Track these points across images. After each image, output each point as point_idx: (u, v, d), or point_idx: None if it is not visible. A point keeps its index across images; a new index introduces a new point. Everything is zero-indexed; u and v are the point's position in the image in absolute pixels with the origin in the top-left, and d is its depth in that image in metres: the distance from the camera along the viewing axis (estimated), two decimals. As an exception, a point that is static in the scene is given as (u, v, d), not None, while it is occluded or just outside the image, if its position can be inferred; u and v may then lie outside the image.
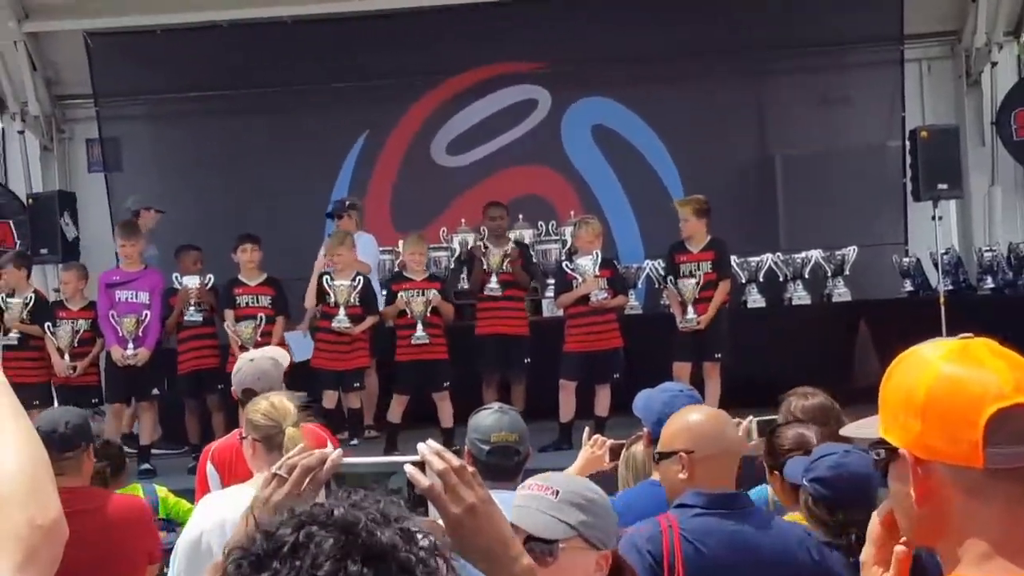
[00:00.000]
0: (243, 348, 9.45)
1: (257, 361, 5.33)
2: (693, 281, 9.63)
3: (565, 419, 9.62)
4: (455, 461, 1.87)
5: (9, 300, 10.15)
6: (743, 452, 3.77)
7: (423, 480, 1.84)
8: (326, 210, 11.24)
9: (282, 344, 9.13)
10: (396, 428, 9.70)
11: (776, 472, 4.11)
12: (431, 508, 1.84)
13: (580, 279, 9.66)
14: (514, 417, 4.20)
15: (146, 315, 9.89)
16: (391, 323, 10.00)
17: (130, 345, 9.83)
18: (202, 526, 3.88)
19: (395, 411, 9.75)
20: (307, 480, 1.91)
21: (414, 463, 1.85)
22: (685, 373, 9.45)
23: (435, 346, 9.69)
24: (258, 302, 9.97)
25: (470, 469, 1.89)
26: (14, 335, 10.08)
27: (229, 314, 9.94)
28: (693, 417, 3.68)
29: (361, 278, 9.85)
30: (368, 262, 10.40)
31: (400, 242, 10.87)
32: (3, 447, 1.83)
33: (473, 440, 4.16)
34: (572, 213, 11.58)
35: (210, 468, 5.08)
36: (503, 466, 4.09)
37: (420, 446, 1.88)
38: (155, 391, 10.07)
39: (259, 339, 9.58)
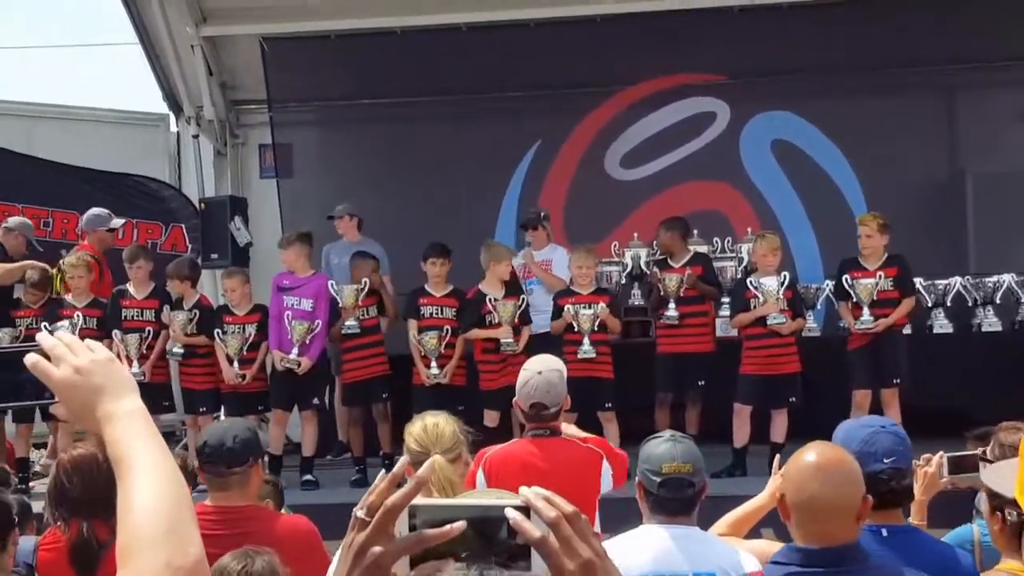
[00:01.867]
0: (424, 359, 9.50)
1: (546, 374, 5.21)
2: (872, 281, 9.23)
3: (739, 444, 9.31)
4: (567, 508, 1.57)
5: (174, 313, 10.12)
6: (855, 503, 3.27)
7: (533, 531, 1.54)
8: (519, 221, 11.18)
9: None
10: None
11: (999, 513, 3.64)
12: (535, 560, 1.54)
13: (761, 299, 9.25)
14: (688, 446, 3.99)
15: (318, 324, 9.79)
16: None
17: (295, 351, 9.69)
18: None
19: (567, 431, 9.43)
20: (393, 524, 1.57)
21: (515, 507, 1.55)
22: (866, 401, 9.09)
23: (601, 364, 9.38)
24: (443, 313, 9.76)
25: (583, 517, 1.58)
26: (178, 349, 10.07)
27: (413, 324, 9.74)
28: (805, 458, 3.29)
29: (524, 297, 9.68)
30: (563, 277, 10.17)
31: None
32: (141, 483, 1.73)
33: (644, 471, 3.96)
34: (749, 230, 11.20)
35: (480, 476, 4.98)
36: (676, 499, 3.89)
37: (524, 490, 1.57)
38: (315, 400, 9.96)
39: (443, 351, 9.50)
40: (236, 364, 9.87)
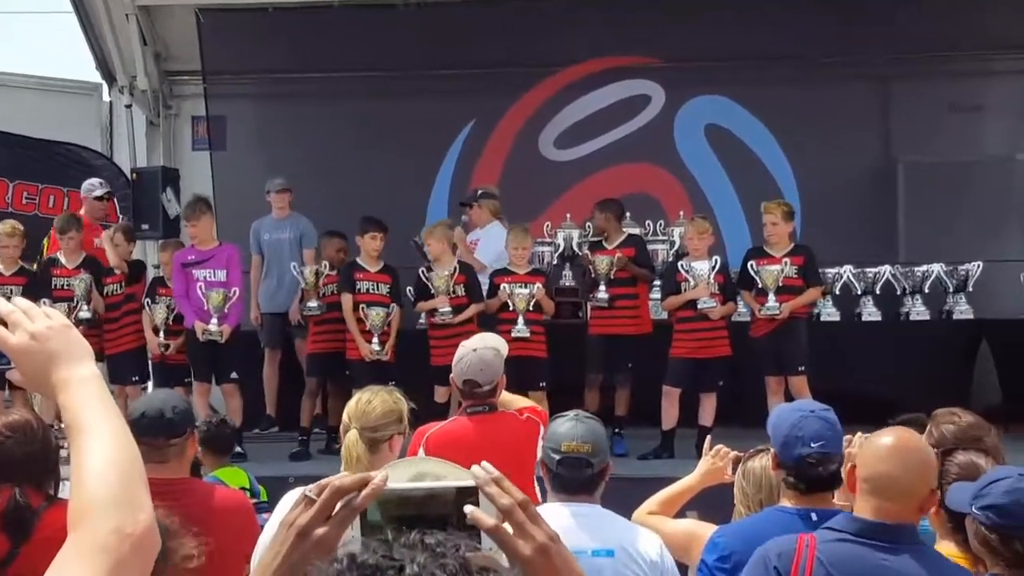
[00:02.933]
0: (367, 334, 9.43)
1: (480, 351, 5.24)
2: (777, 267, 9.21)
3: (667, 426, 9.33)
4: (518, 494, 1.62)
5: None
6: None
7: (487, 520, 1.58)
8: (451, 199, 11.29)
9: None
10: None
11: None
12: (484, 537, 1.58)
13: (692, 283, 9.32)
14: (590, 426, 3.98)
15: (234, 292, 9.71)
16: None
17: (213, 320, 9.60)
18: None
19: None
20: (339, 505, 1.59)
21: (467, 489, 1.59)
22: (780, 387, 9.16)
23: (535, 343, 9.38)
24: (378, 289, 9.68)
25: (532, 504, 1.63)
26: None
27: (348, 298, 9.63)
28: (887, 439, 3.33)
29: (457, 266, 9.60)
30: (493, 255, 10.17)
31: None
32: (94, 448, 1.73)
33: (546, 448, 3.99)
34: (682, 213, 11.26)
35: (421, 454, 4.94)
36: (573, 478, 3.90)
37: (476, 470, 1.61)
38: (233, 374, 9.81)
39: (386, 328, 9.49)
40: (162, 335, 9.90)
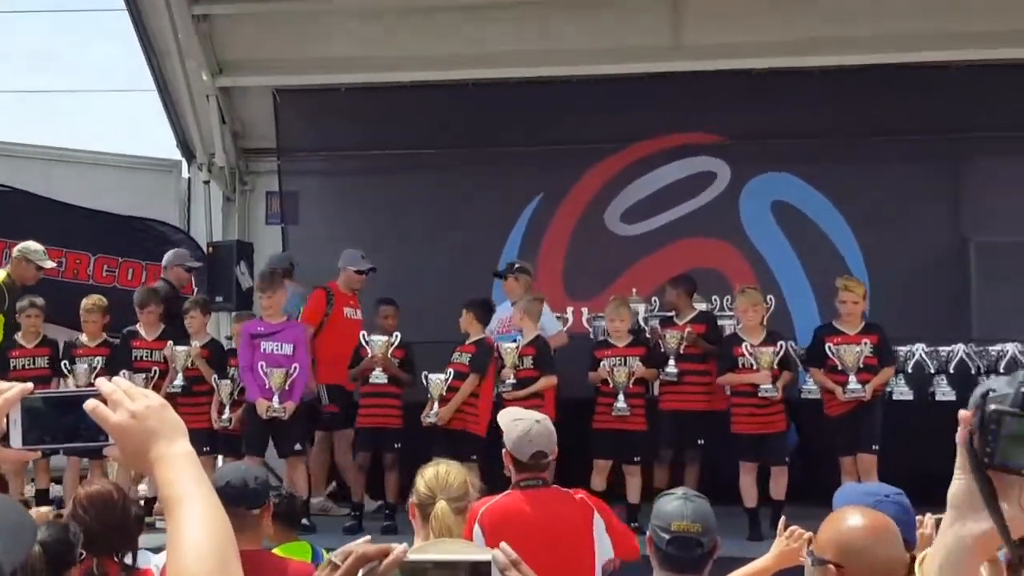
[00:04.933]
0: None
1: (543, 422, 5.21)
2: (858, 348, 9.08)
3: (750, 504, 9.17)
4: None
5: (178, 349, 10.15)
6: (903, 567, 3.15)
7: None
8: (496, 270, 11.10)
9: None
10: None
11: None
12: None
13: (753, 364, 9.28)
14: (699, 505, 4.01)
15: (295, 368, 9.73)
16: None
17: (275, 398, 9.62)
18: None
19: (596, 481, 9.37)
20: (361, 572, 1.70)
21: (482, 564, 1.68)
22: (854, 467, 9.01)
23: (635, 416, 9.41)
24: (461, 358, 9.70)
25: None
26: (179, 381, 10.09)
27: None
28: (850, 523, 3.12)
29: (521, 339, 9.61)
30: (548, 329, 10.18)
31: (569, 309, 10.81)
32: (191, 523, 1.82)
33: (654, 527, 3.98)
34: (736, 287, 11.21)
35: (477, 531, 4.85)
36: (683, 558, 3.91)
37: (496, 554, 1.69)
38: (298, 446, 9.80)
39: (444, 394, 9.47)
40: (227, 409, 9.91)
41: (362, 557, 1.70)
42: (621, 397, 9.33)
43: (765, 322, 9.55)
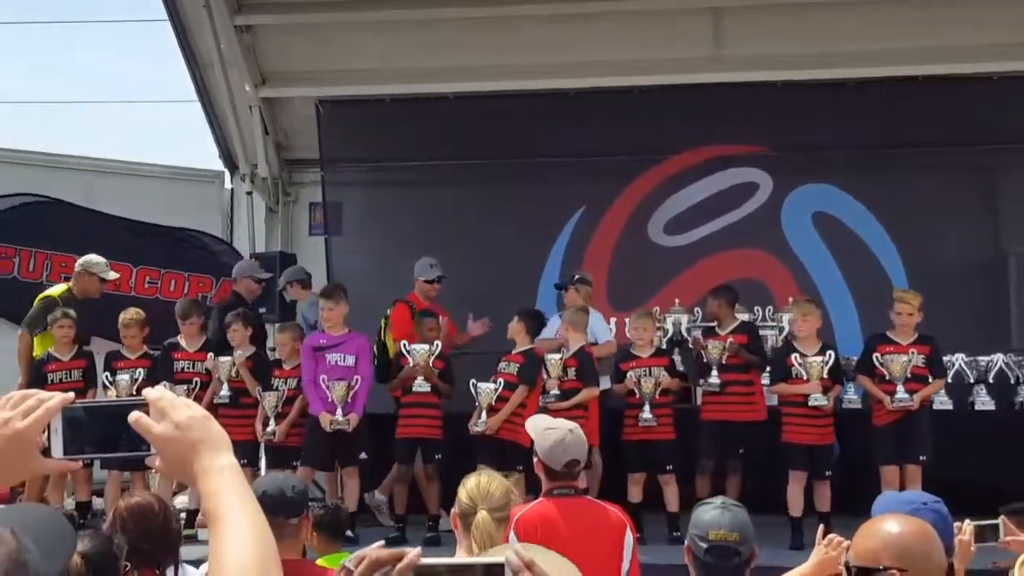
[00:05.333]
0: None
1: (576, 431, 5.22)
2: (905, 357, 9.11)
3: (796, 513, 9.21)
4: None
5: (221, 360, 10.16)
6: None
7: None
8: (555, 281, 11.14)
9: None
10: (637, 508, 9.35)
11: None
12: None
13: (804, 375, 9.32)
14: (737, 514, 4.02)
15: (357, 380, 9.77)
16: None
17: (339, 411, 9.68)
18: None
19: (633, 492, 9.50)
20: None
21: (495, 566, 1.69)
22: (895, 478, 9.00)
23: (662, 426, 9.50)
24: (509, 368, 9.71)
25: None
26: (225, 392, 10.10)
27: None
28: (899, 528, 3.03)
29: (567, 350, 9.65)
30: (600, 335, 10.28)
31: (613, 320, 10.85)
32: (234, 536, 1.82)
33: (692, 536, 4.00)
34: (790, 299, 11.21)
35: (512, 538, 4.78)
36: (721, 566, 3.92)
37: (509, 556, 1.70)
38: (363, 455, 9.84)
39: (494, 404, 9.48)
40: (272, 421, 9.90)
41: (376, 562, 1.72)
42: (647, 407, 9.45)
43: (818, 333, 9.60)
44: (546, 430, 5.27)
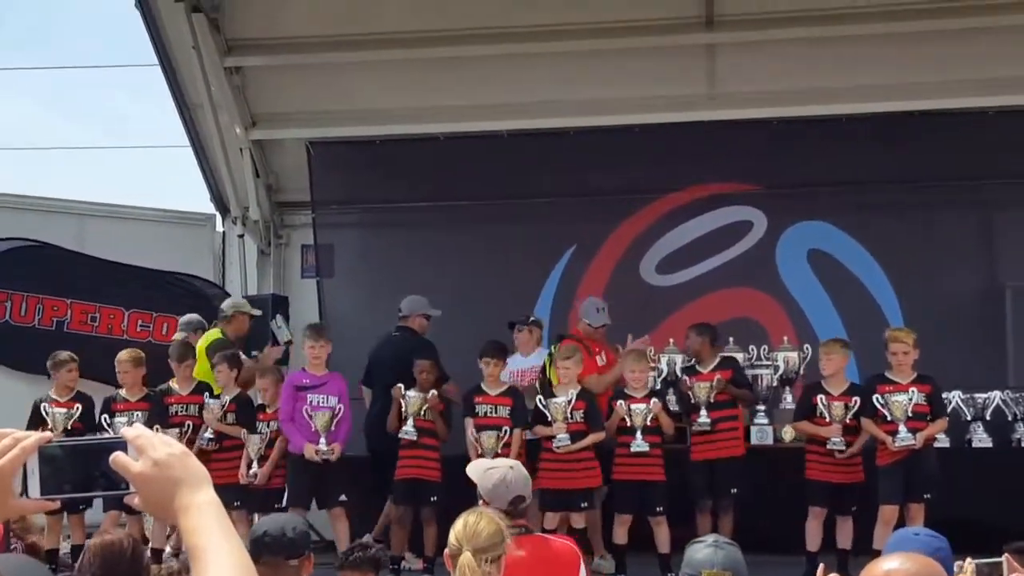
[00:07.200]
0: (480, 457, 9.30)
1: (517, 468, 5.22)
2: (905, 396, 9.09)
3: (813, 548, 9.26)
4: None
5: (211, 402, 10.17)
6: None
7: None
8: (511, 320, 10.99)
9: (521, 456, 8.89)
10: (623, 550, 9.42)
11: None
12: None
13: (827, 417, 9.36)
14: (729, 552, 4.00)
15: (340, 409, 9.78)
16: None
17: (322, 440, 9.65)
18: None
19: (618, 533, 9.48)
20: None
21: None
22: (893, 517, 8.94)
23: (653, 466, 9.47)
24: (497, 412, 9.69)
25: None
26: (209, 435, 10.07)
27: (469, 422, 9.68)
28: (905, 566, 2.95)
29: (574, 393, 9.59)
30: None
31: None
32: (221, 571, 1.81)
33: (685, 575, 3.97)
34: (785, 339, 11.17)
35: None
36: None
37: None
38: (343, 497, 9.76)
39: (499, 451, 9.36)
40: (255, 464, 9.86)
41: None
42: (639, 435, 9.42)
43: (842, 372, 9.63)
44: (487, 470, 5.24)
